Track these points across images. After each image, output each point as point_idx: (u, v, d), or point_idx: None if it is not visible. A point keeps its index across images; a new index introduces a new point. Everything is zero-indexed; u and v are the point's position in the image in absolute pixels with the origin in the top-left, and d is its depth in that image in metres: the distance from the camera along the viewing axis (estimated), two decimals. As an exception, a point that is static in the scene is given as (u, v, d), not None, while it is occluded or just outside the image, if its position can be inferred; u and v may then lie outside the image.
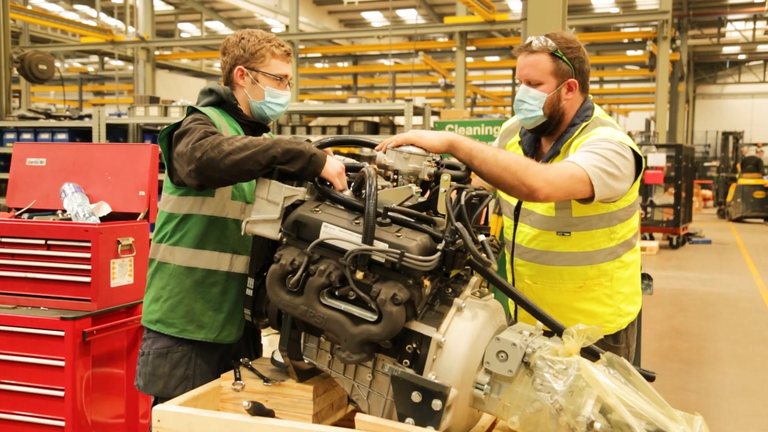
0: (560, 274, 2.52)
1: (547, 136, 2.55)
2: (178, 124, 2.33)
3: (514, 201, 2.56)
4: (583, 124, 2.47)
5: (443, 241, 1.92)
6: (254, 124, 2.55)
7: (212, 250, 2.42)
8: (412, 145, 2.16)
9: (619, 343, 2.58)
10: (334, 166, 2.11)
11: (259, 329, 2.53)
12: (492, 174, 2.16)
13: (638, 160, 2.38)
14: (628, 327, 2.62)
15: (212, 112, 2.42)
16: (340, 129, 9.31)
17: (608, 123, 2.49)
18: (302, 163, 2.06)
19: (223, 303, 2.43)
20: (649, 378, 1.95)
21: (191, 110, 2.41)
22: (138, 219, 3.44)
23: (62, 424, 3.12)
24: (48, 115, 10.26)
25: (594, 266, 2.50)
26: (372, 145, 2.38)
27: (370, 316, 1.88)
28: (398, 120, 10.03)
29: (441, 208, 2.05)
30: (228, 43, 2.55)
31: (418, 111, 7.77)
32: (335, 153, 2.43)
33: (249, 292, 2.23)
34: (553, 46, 2.42)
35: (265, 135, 2.59)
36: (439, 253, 1.89)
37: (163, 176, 2.48)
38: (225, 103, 2.50)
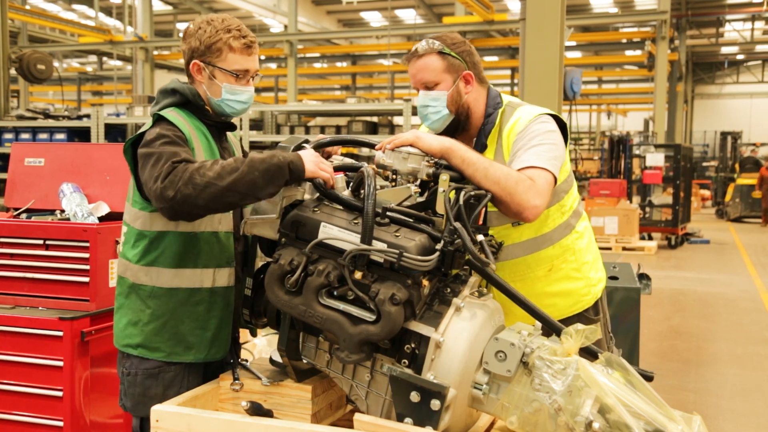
0: (526, 263, 2.54)
1: (461, 135, 2.51)
2: (141, 135, 2.20)
3: None
4: (499, 111, 2.49)
5: (442, 241, 1.92)
6: (220, 124, 2.41)
7: (194, 268, 2.27)
8: (410, 146, 2.17)
9: (598, 315, 2.63)
10: (311, 161, 2.04)
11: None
12: (482, 187, 2.18)
13: (563, 127, 2.47)
14: (602, 295, 2.67)
15: (177, 116, 2.26)
16: (338, 129, 9.31)
17: (520, 104, 2.53)
18: (284, 177, 2.00)
19: (209, 320, 2.30)
20: (648, 378, 1.95)
21: (157, 118, 2.25)
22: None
23: (60, 424, 3.12)
24: (46, 115, 10.25)
25: (555, 245, 2.54)
26: (371, 145, 2.38)
27: (369, 316, 1.88)
28: (397, 120, 10.03)
29: (439, 208, 2.05)
30: (187, 32, 2.35)
31: (416, 111, 7.77)
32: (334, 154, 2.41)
33: (247, 292, 2.23)
34: (439, 45, 2.43)
35: (230, 135, 2.49)
36: (437, 253, 1.89)
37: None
38: (190, 103, 2.33)
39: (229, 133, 2.50)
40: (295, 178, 2.03)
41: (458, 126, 2.49)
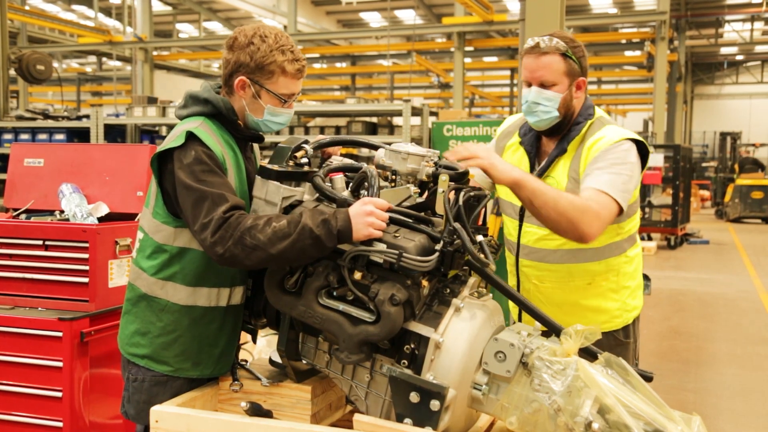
0: (569, 271, 2.54)
1: (548, 135, 2.56)
2: (170, 151, 2.10)
3: (518, 201, 2.51)
4: (588, 123, 2.51)
5: (441, 242, 1.92)
6: (249, 137, 2.31)
7: (211, 287, 2.20)
8: (479, 168, 2.23)
9: (628, 338, 2.62)
10: (362, 224, 1.91)
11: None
12: (549, 218, 2.25)
13: (644, 154, 2.48)
14: (635, 321, 2.66)
15: (207, 133, 2.15)
16: (338, 129, 9.31)
17: (609, 122, 2.55)
18: (333, 245, 1.93)
19: (219, 338, 2.25)
20: (647, 378, 1.95)
21: (189, 135, 2.11)
22: (136, 219, 3.43)
23: (60, 424, 3.12)
24: (46, 116, 10.24)
25: (602, 262, 2.54)
26: (370, 146, 2.37)
27: (369, 317, 1.88)
28: (396, 120, 10.03)
29: (439, 208, 2.05)
30: (236, 43, 2.21)
31: (416, 111, 7.76)
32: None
33: (247, 293, 2.23)
34: (563, 46, 2.44)
35: (255, 147, 2.42)
36: (437, 254, 1.89)
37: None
38: (221, 115, 2.23)
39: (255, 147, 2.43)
40: (344, 241, 1.95)
41: (559, 128, 2.51)
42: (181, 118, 2.25)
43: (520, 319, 2.63)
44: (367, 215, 1.92)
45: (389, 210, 1.98)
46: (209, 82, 2.33)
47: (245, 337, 2.51)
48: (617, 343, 2.56)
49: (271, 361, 2.21)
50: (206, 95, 2.23)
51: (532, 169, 2.57)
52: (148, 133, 10.14)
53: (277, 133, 9.75)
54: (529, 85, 2.48)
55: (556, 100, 2.45)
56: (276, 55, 2.17)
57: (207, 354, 2.24)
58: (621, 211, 2.37)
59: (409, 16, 25.66)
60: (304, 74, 2.26)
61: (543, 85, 2.45)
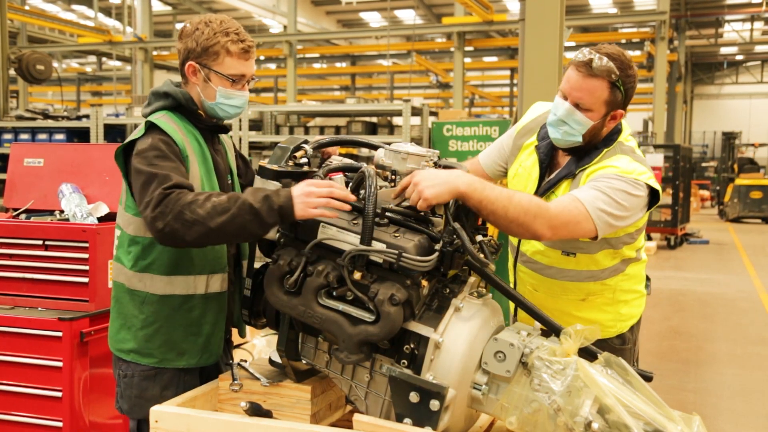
0: (563, 287, 2.50)
1: (564, 150, 2.45)
2: (132, 142, 2.18)
3: None
4: (605, 150, 2.38)
5: (441, 242, 1.92)
6: (213, 127, 2.36)
7: (187, 275, 2.25)
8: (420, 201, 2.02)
9: (625, 344, 2.57)
10: (301, 204, 1.92)
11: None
12: (499, 225, 2.11)
13: (653, 192, 2.31)
14: (633, 327, 2.59)
15: (169, 123, 2.23)
16: (338, 129, 9.30)
17: (628, 151, 2.38)
18: (274, 222, 1.96)
19: (202, 326, 2.30)
20: (647, 378, 1.95)
21: (149, 125, 2.21)
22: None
23: (60, 424, 3.12)
24: (46, 116, 10.23)
25: (598, 282, 2.48)
26: (370, 146, 2.37)
27: (368, 317, 1.88)
28: (396, 120, 10.03)
29: (438, 208, 2.05)
30: (183, 31, 2.29)
31: (416, 111, 7.76)
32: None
33: (247, 293, 2.23)
34: (615, 74, 2.25)
35: (223, 137, 2.46)
36: (436, 254, 1.89)
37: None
38: (183, 107, 2.30)
39: (223, 137, 2.47)
40: (286, 221, 1.98)
41: (576, 149, 2.39)
42: (147, 116, 2.30)
43: (515, 316, 2.62)
44: (306, 195, 1.94)
45: (389, 210, 1.98)
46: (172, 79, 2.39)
47: (234, 335, 2.51)
48: (611, 350, 2.50)
49: (271, 361, 2.21)
50: (165, 89, 2.30)
51: (541, 179, 2.47)
52: (148, 133, 10.11)
53: (278, 133, 9.76)
54: (565, 97, 2.33)
55: (585, 126, 2.31)
56: (219, 37, 2.22)
57: (191, 343, 2.29)
58: (594, 231, 2.18)
59: (409, 16, 25.66)
60: (251, 55, 2.29)
61: (578, 106, 2.30)
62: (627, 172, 2.26)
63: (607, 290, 2.50)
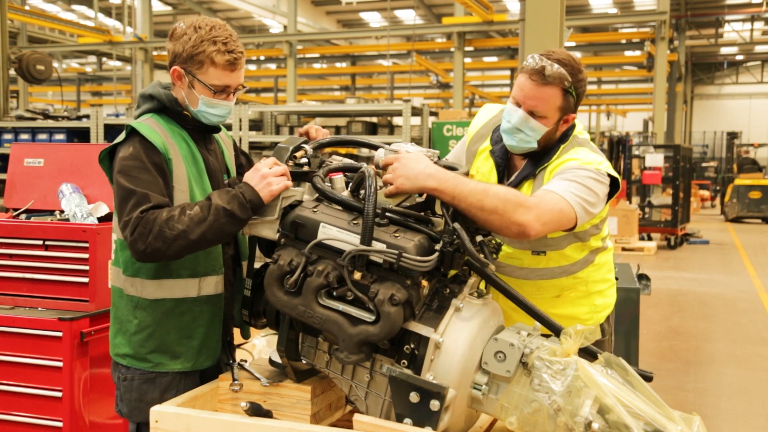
0: (537, 286, 2.52)
1: (519, 155, 2.47)
2: (114, 147, 2.20)
3: None
4: (561, 147, 2.41)
5: (441, 242, 1.92)
6: (203, 128, 2.33)
7: (177, 278, 2.24)
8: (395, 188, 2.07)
9: (603, 336, 2.59)
10: (262, 188, 2.04)
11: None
12: (478, 219, 2.05)
13: (613, 181, 2.35)
14: (609, 317, 2.65)
15: (153, 126, 2.21)
16: (338, 129, 9.31)
17: (584, 143, 2.44)
18: (248, 216, 2.04)
19: (195, 329, 2.28)
20: (647, 378, 1.95)
21: (131, 131, 2.19)
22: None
23: (60, 424, 3.12)
24: (46, 116, 10.24)
25: (569, 277, 2.52)
26: (370, 146, 2.38)
27: (368, 317, 1.88)
28: (396, 120, 10.03)
29: (438, 208, 2.05)
30: (174, 33, 2.24)
31: (416, 111, 7.76)
32: (333, 153, 2.41)
33: (247, 293, 2.23)
34: (568, 81, 2.28)
35: (222, 135, 2.49)
36: (436, 254, 1.89)
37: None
38: (169, 109, 2.27)
39: (216, 137, 2.46)
40: (257, 209, 2.06)
41: (531, 154, 2.42)
42: (136, 118, 2.30)
43: None
44: (263, 178, 2.05)
45: (389, 210, 1.98)
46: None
47: (238, 336, 2.50)
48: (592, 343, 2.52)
49: (271, 361, 2.21)
50: (150, 91, 2.30)
51: (500, 183, 2.45)
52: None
53: (278, 133, 9.77)
54: (518, 105, 2.34)
55: (540, 133, 2.34)
56: (206, 46, 2.17)
57: (185, 347, 2.28)
58: (575, 219, 2.20)
59: (409, 16, 25.67)
60: (238, 66, 2.23)
61: (533, 114, 2.32)
62: (588, 163, 2.32)
63: (579, 283, 2.53)
